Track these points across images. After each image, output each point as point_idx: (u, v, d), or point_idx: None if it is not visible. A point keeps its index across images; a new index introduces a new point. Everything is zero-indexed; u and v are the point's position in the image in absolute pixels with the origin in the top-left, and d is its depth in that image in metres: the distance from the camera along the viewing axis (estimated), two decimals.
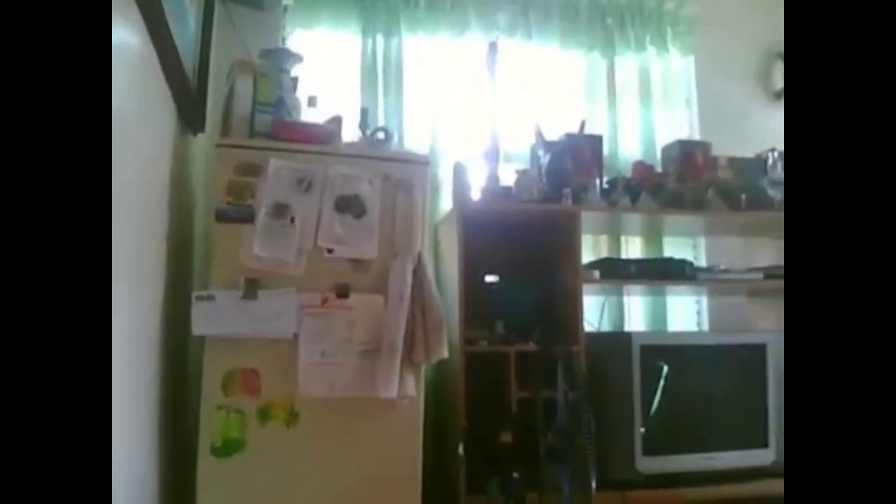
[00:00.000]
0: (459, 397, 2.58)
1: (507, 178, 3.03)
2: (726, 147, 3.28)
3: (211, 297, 2.14)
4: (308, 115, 2.48)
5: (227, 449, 2.13)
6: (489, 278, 3.03)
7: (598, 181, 3.04)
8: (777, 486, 2.75)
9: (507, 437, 2.39)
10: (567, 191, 2.88)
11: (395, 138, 2.87)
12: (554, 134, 3.08)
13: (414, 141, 3.21)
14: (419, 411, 2.31)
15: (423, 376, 2.34)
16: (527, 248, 3.02)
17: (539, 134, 3.06)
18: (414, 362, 2.27)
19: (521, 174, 2.97)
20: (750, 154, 3.30)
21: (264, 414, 2.17)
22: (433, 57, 3.33)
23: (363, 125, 2.65)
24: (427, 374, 2.41)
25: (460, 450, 2.35)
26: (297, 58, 2.56)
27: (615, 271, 2.94)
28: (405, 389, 2.24)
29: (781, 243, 3.16)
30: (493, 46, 3.13)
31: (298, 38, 3.16)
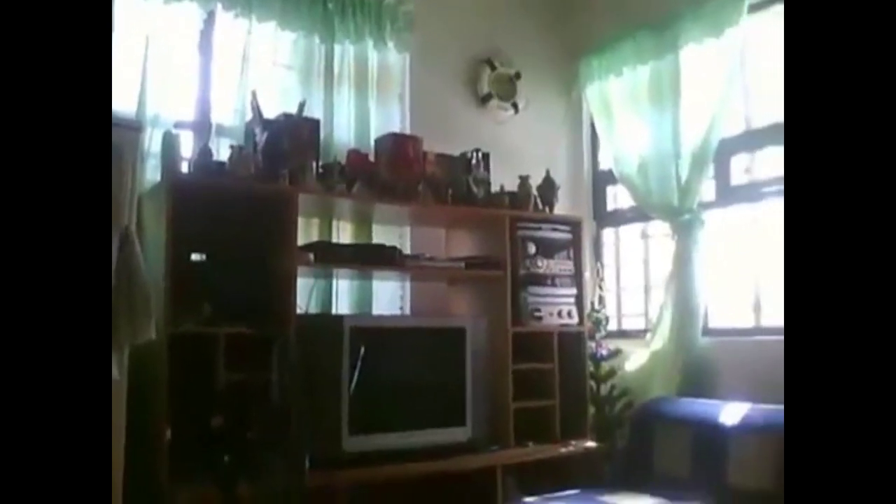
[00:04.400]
0: (163, 381, 2.42)
1: (221, 153, 2.91)
2: (434, 144, 3.46)
3: None
4: None
5: None
6: (195, 257, 2.88)
7: (314, 164, 3.03)
8: (472, 461, 3.00)
9: (217, 422, 2.30)
10: (285, 171, 2.84)
11: None
12: (270, 113, 3.02)
13: (117, 105, 2.93)
14: (121, 395, 2.15)
15: (125, 357, 2.17)
16: (238, 226, 2.91)
17: (256, 108, 2.97)
18: (118, 343, 2.10)
19: (237, 150, 2.86)
20: (456, 152, 3.52)
21: None
22: (145, 19, 3.07)
23: None
24: (131, 356, 2.23)
25: (166, 435, 2.21)
26: None
27: (330, 255, 2.97)
28: None
29: (480, 235, 3.45)
30: (210, 16, 3.00)
31: None
